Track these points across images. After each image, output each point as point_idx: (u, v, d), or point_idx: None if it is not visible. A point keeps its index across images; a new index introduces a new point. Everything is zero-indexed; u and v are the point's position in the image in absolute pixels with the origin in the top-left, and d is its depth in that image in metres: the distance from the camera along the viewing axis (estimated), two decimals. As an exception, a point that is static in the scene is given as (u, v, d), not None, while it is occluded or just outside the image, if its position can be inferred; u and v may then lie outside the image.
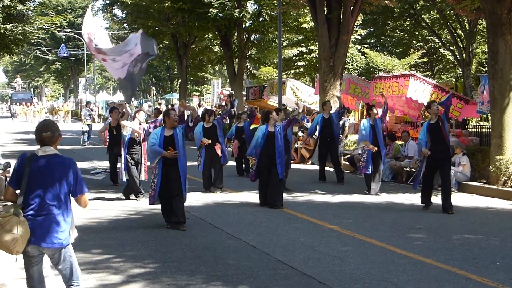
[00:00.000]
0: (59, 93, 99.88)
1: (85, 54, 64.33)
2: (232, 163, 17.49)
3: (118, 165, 14.29)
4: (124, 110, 13.63)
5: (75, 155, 23.58)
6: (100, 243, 9.10)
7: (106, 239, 9.35)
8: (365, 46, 39.27)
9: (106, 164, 19.48)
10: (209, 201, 12.88)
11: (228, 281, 7.12)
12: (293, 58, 36.97)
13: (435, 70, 43.10)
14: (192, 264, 7.84)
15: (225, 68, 39.45)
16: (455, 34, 33.83)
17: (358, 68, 34.72)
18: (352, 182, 15.82)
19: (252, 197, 13.46)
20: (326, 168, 16.37)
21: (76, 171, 5.60)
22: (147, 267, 7.73)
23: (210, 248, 8.73)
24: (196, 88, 64.74)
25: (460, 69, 35.53)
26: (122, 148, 12.93)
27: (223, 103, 32.75)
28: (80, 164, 19.57)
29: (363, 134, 13.82)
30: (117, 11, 43.60)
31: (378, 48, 43.68)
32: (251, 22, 31.91)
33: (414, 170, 16.01)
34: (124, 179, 13.01)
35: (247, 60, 34.90)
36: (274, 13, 29.35)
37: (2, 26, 25.32)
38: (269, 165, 12.14)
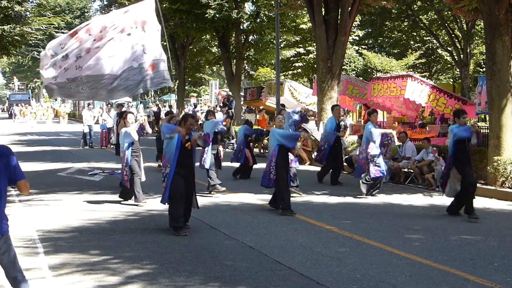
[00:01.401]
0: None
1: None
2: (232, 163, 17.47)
3: (119, 166, 13.82)
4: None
5: (73, 156, 23.57)
6: (97, 244, 9.08)
7: (104, 240, 9.34)
8: (363, 47, 39.33)
9: (104, 165, 19.52)
10: (207, 202, 12.87)
11: (226, 282, 7.12)
12: (291, 59, 37.01)
13: (433, 71, 43.19)
14: (190, 265, 7.83)
15: (223, 69, 39.50)
16: (453, 35, 33.91)
17: (356, 69, 34.76)
18: (349, 183, 15.80)
19: (250, 198, 13.47)
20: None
21: (14, 157, 5.67)
22: (145, 268, 7.73)
23: (208, 249, 8.73)
24: (194, 89, 64.75)
25: (458, 70, 35.63)
26: (126, 153, 12.38)
27: (221, 104, 32.79)
28: (78, 165, 19.62)
29: (377, 135, 13.59)
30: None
31: (376, 49, 43.73)
32: (249, 23, 31.94)
33: (412, 171, 16.02)
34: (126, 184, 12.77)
35: (245, 61, 34.92)
36: (272, 14, 29.38)
37: (0, 27, 25.30)
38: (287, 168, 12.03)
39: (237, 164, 16.98)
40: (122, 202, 12.72)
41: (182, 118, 10.35)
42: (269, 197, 13.46)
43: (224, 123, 13.44)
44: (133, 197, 12.65)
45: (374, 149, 13.52)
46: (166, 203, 10.07)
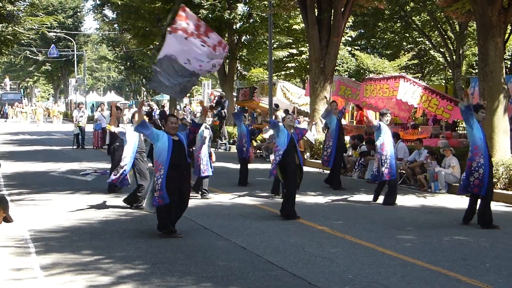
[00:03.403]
0: (49, 94, 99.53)
1: (75, 55, 64.13)
2: (230, 165, 17.44)
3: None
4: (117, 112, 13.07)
5: (65, 156, 23.50)
6: (89, 244, 9.05)
7: (96, 240, 9.30)
8: (356, 47, 39.37)
9: (95, 165, 19.47)
10: (199, 203, 12.85)
11: (218, 282, 7.11)
12: (284, 59, 36.94)
13: (426, 72, 43.23)
14: (182, 265, 7.81)
15: (215, 69, 39.35)
16: (445, 36, 33.97)
17: (349, 70, 34.79)
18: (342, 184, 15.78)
19: (242, 198, 13.46)
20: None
21: None
22: (137, 268, 7.70)
23: (200, 249, 8.72)
24: (187, 89, 64.54)
25: (450, 71, 35.66)
26: (129, 154, 12.09)
27: (213, 104, 32.73)
28: (70, 165, 19.56)
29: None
30: (108, 12, 43.47)
31: (369, 49, 43.76)
32: (241, 23, 31.90)
33: (404, 171, 16.04)
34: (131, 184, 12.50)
35: (238, 61, 34.89)
36: (264, 14, 29.35)
37: (-8, 26, 25.21)
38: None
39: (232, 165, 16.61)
40: (122, 205, 12.54)
41: (164, 119, 10.20)
42: (262, 198, 13.47)
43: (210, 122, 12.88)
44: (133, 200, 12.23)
45: (388, 150, 12.93)
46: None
